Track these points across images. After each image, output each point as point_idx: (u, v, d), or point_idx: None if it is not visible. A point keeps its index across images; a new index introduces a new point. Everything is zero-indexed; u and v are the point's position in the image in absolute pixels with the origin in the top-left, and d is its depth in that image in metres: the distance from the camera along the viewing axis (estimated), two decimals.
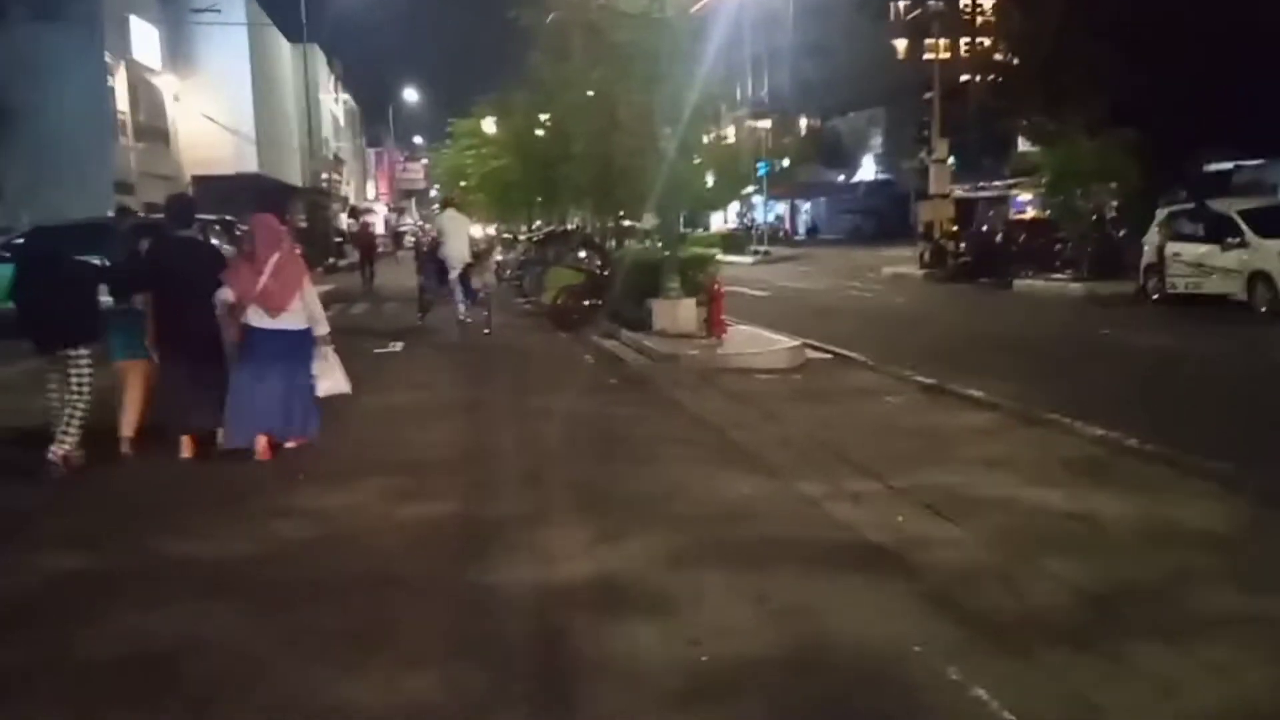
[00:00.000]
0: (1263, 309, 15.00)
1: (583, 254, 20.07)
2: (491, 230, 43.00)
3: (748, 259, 36.44)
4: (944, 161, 30.19)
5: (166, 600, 4.61)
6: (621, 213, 22.48)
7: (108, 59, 26.19)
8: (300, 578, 4.87)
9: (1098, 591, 4.38)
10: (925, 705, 3.46)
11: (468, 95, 37.70)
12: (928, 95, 31.33)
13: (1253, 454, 6.56)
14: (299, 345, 7.34)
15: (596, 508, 5.82)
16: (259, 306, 7.17)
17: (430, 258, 17.07)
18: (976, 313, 18.06)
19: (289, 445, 7.36)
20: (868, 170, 55.37)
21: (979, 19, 42.54)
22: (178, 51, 31.92)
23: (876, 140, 54.23)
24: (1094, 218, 22.07)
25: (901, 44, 54.54)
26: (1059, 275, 21.70)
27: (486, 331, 15.16)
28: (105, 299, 7.49)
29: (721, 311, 12.60)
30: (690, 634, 4.01)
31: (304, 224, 38.97)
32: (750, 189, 44.82)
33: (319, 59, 49.05)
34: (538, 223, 35.94)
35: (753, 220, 50.41)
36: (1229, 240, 15.93)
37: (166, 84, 31.13)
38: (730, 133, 45.15)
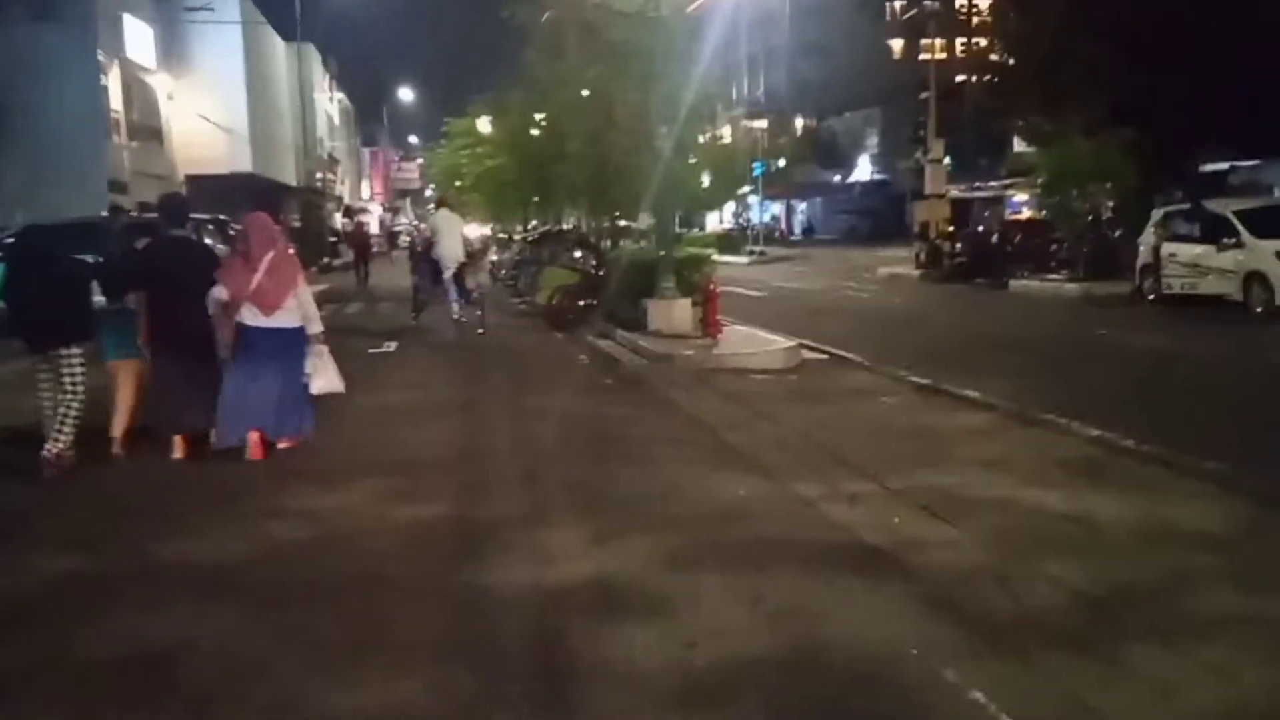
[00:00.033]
0: (1258, 309, 15.01)
1: (578, 254, 20.05)
2: (487, 230, 42.99)
3: (743, 259, 36.45)
4: (940, 162, 30.21)
5: (162, 601, 4.58)
6: (617, 213, 22.48)
7: (101, 58, 26.11)
8: (295, 579, 4.84)
9: (1095, 593, 4.36)
10: (922, 708, 3.43)
11: (463, 94, 37.71)
12: (924, 95, 31.35)
13: (1249, 454, 6.55)
14: (293, 343, 7.37)
15: (591, 508, 5.79)
16: (253, 305, 7.18)
17: (424, 257, 17.03)
18: (972, 313, 18.06)
19: (282, 446, 7.35)
20: (864, 170, 55.40)
21: (975, 19, 42.61)
22: (172, 50, 31.83)
23: (872, 140, 54.26)
24: (1090, 218, 22.09)
25: (898, 44, 54.59)
26: (1055, 275, 21.72)
27: (481, 331, 15.13)
28: (98, 299, 7.45)
29: (717, 311, 12.58)
30: (686, 636, 3.99)
31: (298, 223, 38.89)
32: (746, 189, 44.83)
33: (313, 58, 48.95)
34: (533, 222, 35.92)
35: (748, 220, 50.42)
36: (1225, 240, 15.94)
37: (160, 83, 31.03)
38: (726, 132, 45.13)
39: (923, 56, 42.77)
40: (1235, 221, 15.97)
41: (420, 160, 76.31)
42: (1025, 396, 8.71)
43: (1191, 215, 17.42)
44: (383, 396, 9.73)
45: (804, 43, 56.26)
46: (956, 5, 43.49)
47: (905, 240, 32.89)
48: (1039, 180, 23.50)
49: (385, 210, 76.98)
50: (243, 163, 33.96)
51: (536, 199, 31.79)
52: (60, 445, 6.97)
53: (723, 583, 4.56)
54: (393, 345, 14.12)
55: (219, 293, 7.18)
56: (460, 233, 16.14)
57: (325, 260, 38.12)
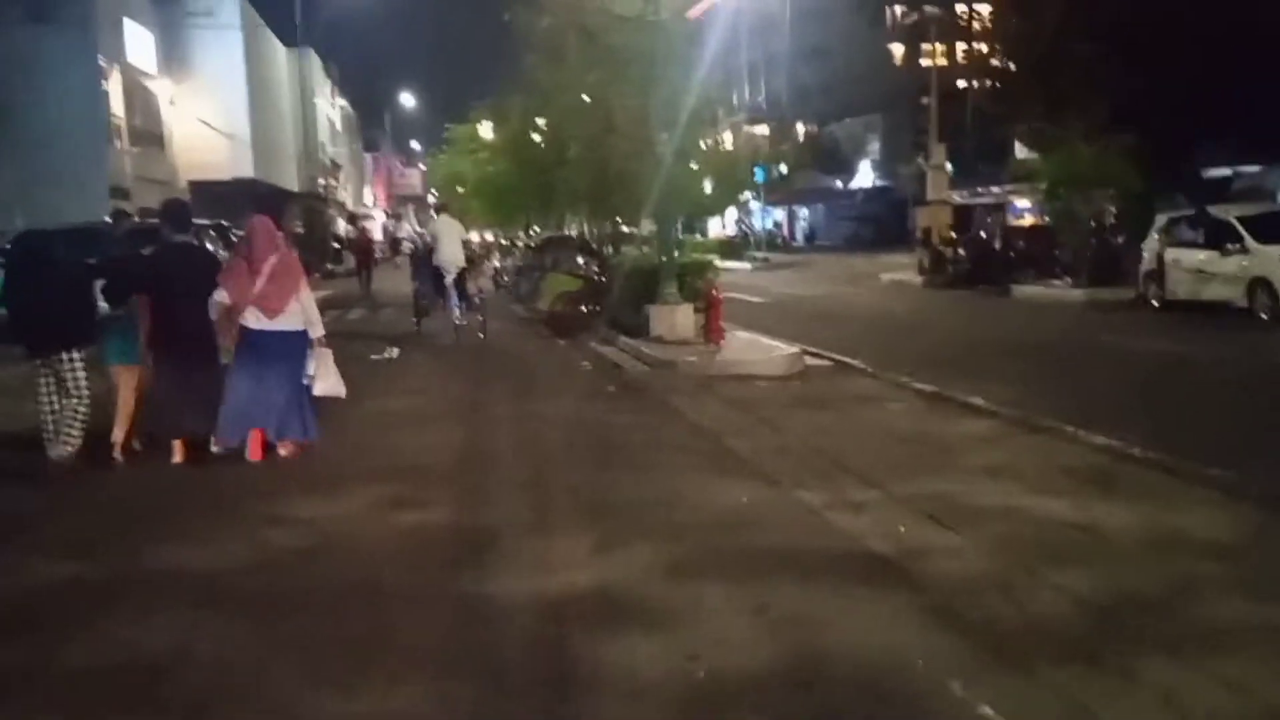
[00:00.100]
0: (1263, 315, 14.96)
1: (580, 260, 20.03)
2: (489, 236, 43.00)
3: (746, 265, 36.45)
4: (941, 167, 30.21)
5: (158, 608, 4.54)
6: (619, 218, 22.46)
7: (102, 63, 26.15)
8: (294, 586, 4.80)
9: (1102, 602, 4.30)
10: None
11: (465, 100, 37.66)
12: (925, 101, 31.35)
13: (1256, 460, 6.50)
14: (296, 347, 7.40)
15: (593, 516, 5.74)
16: (256, 308, 7.21)
17: (425, 263, 17.02)
18: (975, 319, 18.01)
19: (282, 452, 7.33)
20: (865, 176, 55.39)
21: (975, 24, 42.63)
22: (173, 55, 31.88)
23: (874, 146, 54.25)
24: (1093, 224, 22.04)
25: (898, 49, 54.55)
26: (1058, 281, 21.67)
27: (481, 336, 15.12)
28: (101, 305, 7.46)
29: (720, 317, 12.54)
30: (688, 646, 3.93)
31: (301, 230, 38.89)
32: (747, 195, 44.81)
33: (315, 63, 49.05)
34: (535, 228, 35.92)
35: (750, 227, 50.39)
36: (1229, 246, 15.91)
37: (162, 88, 31.07)
38: (728, 138, 45.12)
39: (924, 62, 42.74)
40: (1239, 227, 15.93)
41: (422, 166, 76.41)
42: (1030, 403, 8.65)
43: (1195, 221, 17.39)
44: (384, 402, 9.69)
45: (805, 48, 56.24)
46: (957, 10, 43.53)
47: (908, 246, 32.85)
48: (1041, 186, 23.45)
49: (388, 216, 77.03)
50: (244, 168, 33.99)
51: (538, 205, 31.75)
52: (69, 448, 7.04)
53: (726, 592, 4.51)
54: (395, 351, 14.09)
55: (221, 297, 7.21)
56: (459, 238, 16.12)
57: (328, 266, 38.11)
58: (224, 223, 18.58)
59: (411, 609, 4.51)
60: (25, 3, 23.46)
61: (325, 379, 7.49)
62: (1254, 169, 24.47)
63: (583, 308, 15.70)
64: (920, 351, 12.86)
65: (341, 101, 61.51)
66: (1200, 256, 16.58)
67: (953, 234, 28.02)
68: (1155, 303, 17.61)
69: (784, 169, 49.23)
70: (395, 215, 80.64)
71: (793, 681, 3.66)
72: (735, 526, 5.50)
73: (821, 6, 54.12)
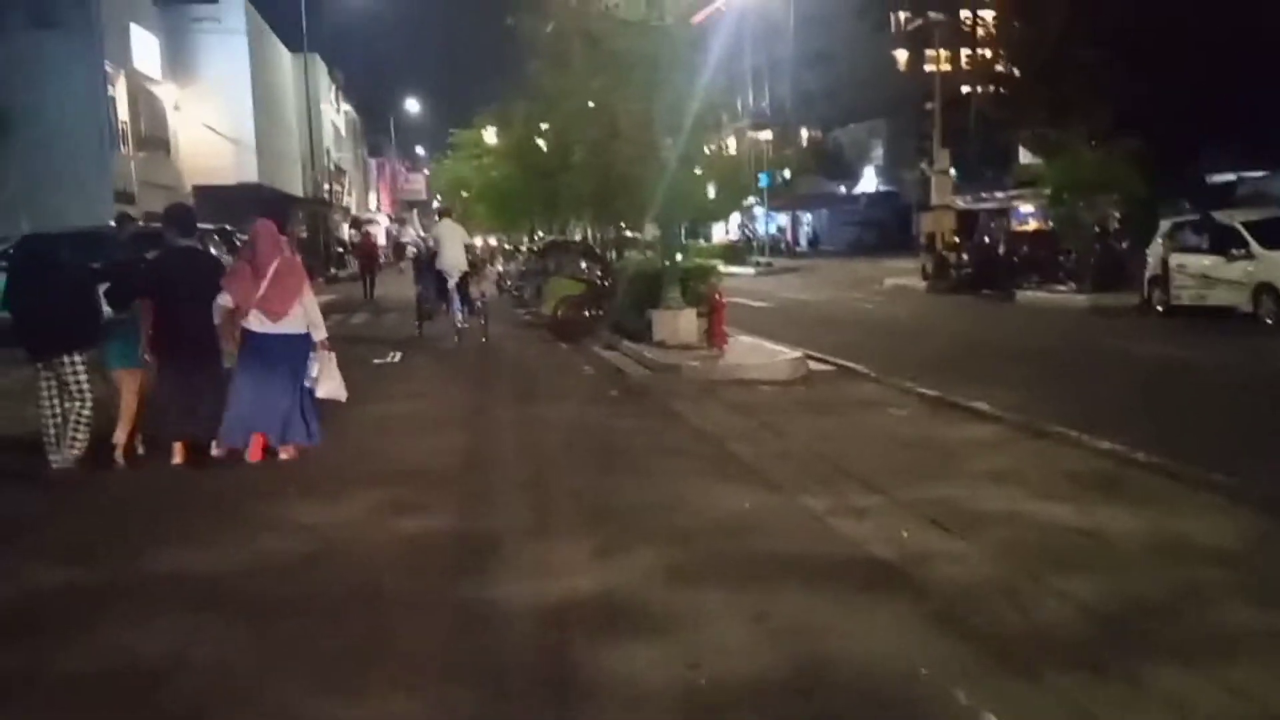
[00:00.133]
0: (1269, 321, 14.90)
1: (584, 264, 20.03)
2: (493, 241, 43.03)
3: (750, 270, 36.43)
4: (945, 172, 30.16)
5: (156, 613, 4.52)
6: (622, 223, 22.46)
7: (108, 68, 26.21)
8: (293, 591, 4.78)
9: (1108, 609, 4.26)
10: None
11: (469, 105, 37.77)
12: (929, 106, 31.31)
13: (1261, 466, 6.46)
14: (298, 350, 7.42)
15: (595, 521, 5.72)
16: (259, 311, 7.25)
17: (428, 267, 17.04)
18: (979, 324, 17.97)
19: (283, 456, 7.34)
20: (869, 182, 55.35)
21: (979, 30, 42.59)
22: (178, 61, 31.94)
23: (878, 152, 54.21)
24: (1097, 229, 21.99)
25: (902, 55, 54.54)
26: (1062, 287, 21.62)
27: (484, 340, 15.12)
28: (106, 309, 7.48)
29: (723, 322, 12.51)
30: (689, 653, 3.90)
31: (305, 234, 38.94)
32: (751, 200, 44.81)
33: (320, 69, 49.15)
34: (539, 233, 35.94)
35: (753, 232, 50.38)
36: (1234, 252, 15.86)
37: (167, 93, 31.14)
38: (732, 144, 45.14)
39: (927, 67, 42.74)
40: (1244, 233, 15.88)
41: (427, 171, 76.49)
42: (1034, 408, 8.61)
43: (1200, 226, 17.33)
44: (386, 406, 9.68)
45: (809, 54, 56.23)
46: (961, 16, 43.50)
47: (911, 252, 32.81)
48: (1045, 191, 23.40)
49: (392, 221, 77.10)
50: (249, 173, 34.03)
51: (542, 209, 31.77)
52: (76, 451, 7.06)
53: (727, 598, 4.48)
54: (397, 355, 14.10)
55: (225, 300, 7.25)
56: (461, 242, 16.15)
57: (332, 271, 38.15)
58: (228, 227, 18.60)
59: (412, 614, 4.49)
60: (31, 8, 23.55)
61: (327, 382, 7.52)
62: (1258, 174, 24.40)
63: (585, 312, 15.69)
64: (924, 356, 12.82)
65: (346, 107, 61.62)
66: (1205, 262, 16.53)
67: (956, 239, 27.97)
68: (1160, 308, 17.55)
69: (788, 174, 49.27)
70: (400, 220, 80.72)
71: (793, 689, 3.62)
72: (737, 532, 5.47)
73: (825, 12, 54.14)
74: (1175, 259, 17.23)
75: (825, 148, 56.73)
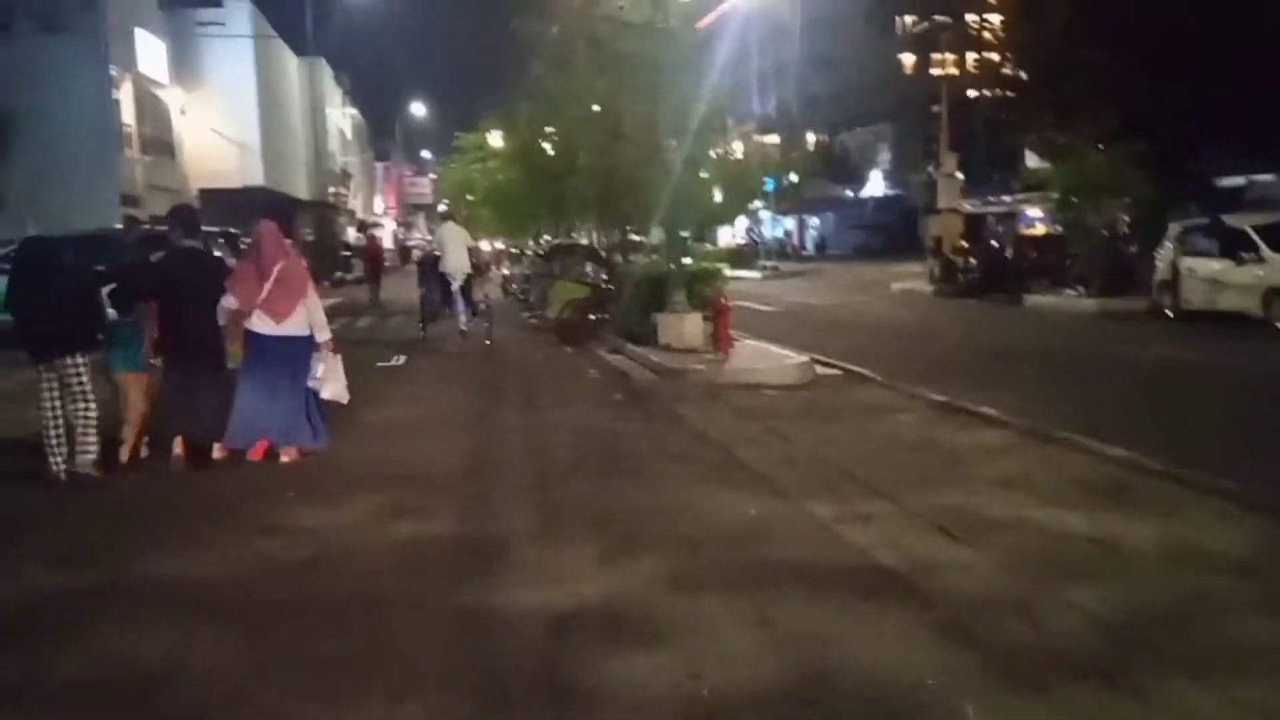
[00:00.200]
0: (1279, 325, 14.78)
1: (589, 268, 19.98)
2: (499, 245, 43.02)
3: (756, 274, 36.33)
4: (952, 176, 30.07)
5: (153, 619, 4.50)
6: (628, 226, 22.40)
7: (114, 72, 26.22)
8: (292, 597, 4.74)
9: (1119, 620, 4.18)
10: None
11: (475, 109, 37.76)
12: (935, 109, 31.24)
13: (1272, 472, 6.38)
14: (302, 351, 7.45)
15: (598, 527, 5.67)
16: (263, 313, 7.28)
17: (432, 270, 17.03)
18: (987, 329, 17.87)
19: (284, 459, 7.33)
20: (876, 185, 55.25)
21: (986, 33, 42.45)
22: (184, 64, 31.95)
23: (884, 155, 54.12)
24: (1105, 233, 21.88)
25: (909, 59, 54.45)
26: (1070, 291, 21.50)
27: (488, 342, 15.11)
28: (110, 312, 7.46)
29: (728, 326, 12.44)
30: (692, 662, 3.84)
31: (310, 238, 38.95)
32: (758, 203, 44.69)
33: (325, 72, 49.17)
34: (545, 236, 35.91)
35: (760, 235, 50.28)
36: (1244, 255, 15.74)
37: (173, 97, 31.15)
38: (738, 147, 45.07)
39: (934, 71, 42.65)
40: (1255, 236, 15.77)
41: (433, 175, 76.57)
42: (1042, 413, 8.52)
43: (1209, 230, 17.21)
44: (388, 410, 9.65)
45: (815, 57, 56.19)
46: (967, 19, 43.37)
47: (918, 255, 32.70)
48: (1053, 195, 23.30)
49: (398, 225, 77.18)
50: (255, 176, 34.03)
51: (547, 213, 31.73)
52: (91, 455, 7.06)
53: (731, 606, 4.41)
54: (401, 358, 14.08)
55: (230, 302, 7.29)
56: (464, 245, 16.14)
57: (338, 274, 38.13)
58: (233, 230, 18.57)
59: (412, 620, 4.45)
60: (38, 13, 23.56)
61: (331, 383, 7.56)
62: (1267, 178, 24.29)
63: (590, 315, 15.64)
64: (931, 361, 12.74)
65: (352, 110, 61.64)
66: (1215, 266, 16.41)
67: (964, 243, 27.86)
68: (1169, 312, 17.44)
69: (794, 178, 49.12)
70: (405, 224, 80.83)
71: (798, 698, 3.56)
72: (742, 539, 5.41)
73: (832, 15, 54.11)
74: (1185, 263, 17.12)
75: (832, 151, 56.63)
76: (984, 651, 3.89)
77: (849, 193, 56.50)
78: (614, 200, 19.76)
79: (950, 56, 41.27)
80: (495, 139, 34.65)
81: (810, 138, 57.10)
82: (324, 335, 7.52)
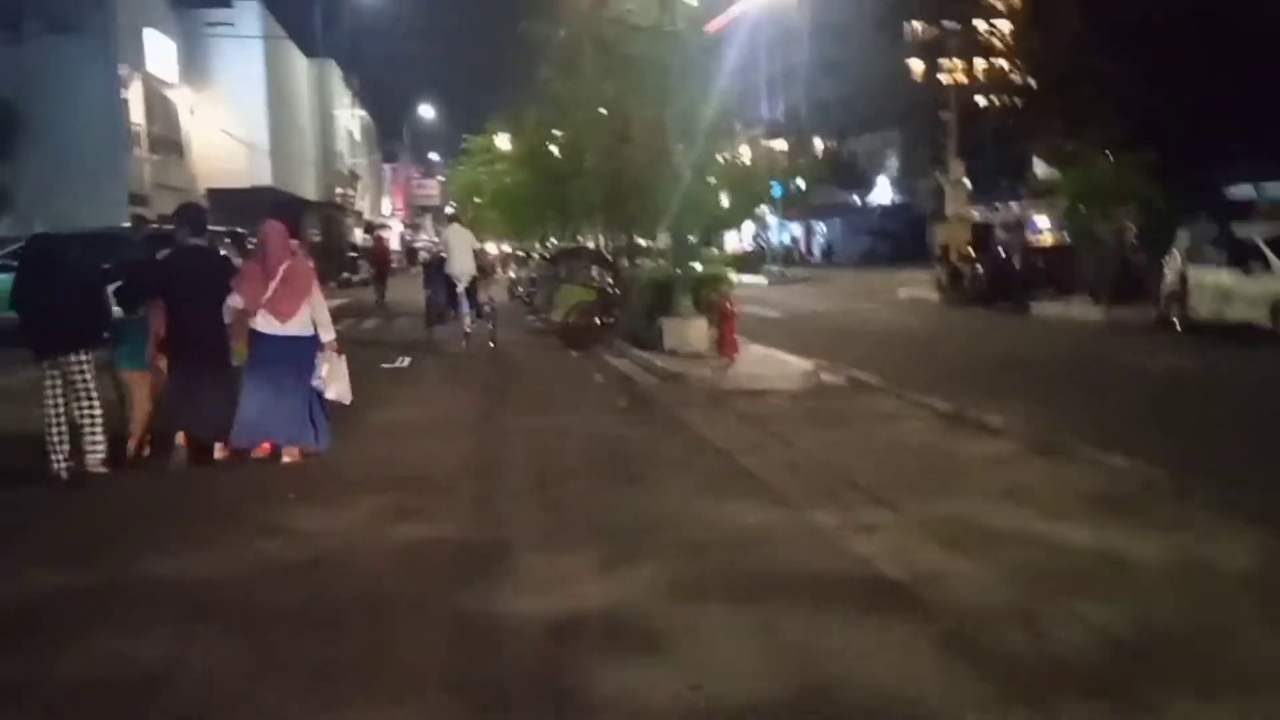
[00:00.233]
0: None
1: (595, 271, 19.97)
2: (506, 248, 43.03)
3: (763, 280, 36.30)
4: (960, 183, 30.03)
5: (152, 620, 4.48)
6: (634, 230, 22.39)
7: (123, 72, 26.30)
8: (291, 599, 4.72)
9: (1125, 634, 4.13)
10: None
11: (483, 111, 37.78)
12: (943, 116, 31.19)
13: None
14: (306, 351, 7.45)
15: (599, 533, 5.63)
16: (268, 312, 7.29)
17: (438, 272, 17.04)
18: (993, 337, 17.81)
19: (286, 459, 7.32)
20: (883, 192, 55.20)
21: (995, 40, 42.40)
22: (193, 65, 32.04)
23: (892, 162, 54.07)
24: (1113, 242, 21.78)
25: (918, 65, 54.42)
26: (1077, 300, 21.41)
27: (492, 345, 15.10)
28: (115, 310, 7.46)
29: (734, 331, 12.41)
30: (692, 672, 3.80)
31: (317, 238, 39.00)
32: (765, 209, 44.68)
33: (334, 74, 49.28)
34: (551, 240, 35.92)
35: (767, 241, 50.24)
36: (1253, 266, 15.65)
37: (182, 97, 31.23)
38: (745, 152, 45.01)
39: (942, 77, 42.67)
40: (1264, 247, 15.68)
41: (440, 177, 76.64)
42: (1048, 423, 8.46)
43: (1219, 241, 17.13)
44: (391, 411, 9.64)
45: (823, 63, 56.19)
46: (976, 26, 43.33)
47: (925, 263, 32.62)
48: (1061, 203, 23.22)
49: (406, 227, 77.26)
50: (263, 177, 34.10)
51: (554, 216, 31.73)
52: (100, 454, 7.06)
53: (732, 616, 4.37)
54: (405, 360, 14.07)
55: (235, 301, 7.30)
56: (470, 247, 16.13)
57: (344, 275, 38.18)
58: (240, 230, 18.56)
59: (412, 623, 4.43)
60: (48, 13, 23.65)
61: (335, 383, 7.56)
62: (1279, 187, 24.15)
63: (596, 319, 15.61)
64: (937, 369, 12.69)
65: (361, 112, 61.71)
66: (1224, 277, 16.33)
67: (971, 251, 27.77)
68: (1178, 323, 17.34)
69: (801, 183, 49.09)
70: (413, 225, 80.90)
71: (798, 711, 3.52)
72: (744, 547, 5.37)
73: (840, 21, 54.12)
74: (1193, 273, 17.04)
75: (839, 157, 56.58)
76: (988, 666, 3.84)
77: (856, 199, 56.45)
78: (621, 204, 19.75)
79: (959, 63, 41.30)
80: (503, 141, 34.64)
81: (818, 143, 57.05)
82: (328, 335, 7.53)
